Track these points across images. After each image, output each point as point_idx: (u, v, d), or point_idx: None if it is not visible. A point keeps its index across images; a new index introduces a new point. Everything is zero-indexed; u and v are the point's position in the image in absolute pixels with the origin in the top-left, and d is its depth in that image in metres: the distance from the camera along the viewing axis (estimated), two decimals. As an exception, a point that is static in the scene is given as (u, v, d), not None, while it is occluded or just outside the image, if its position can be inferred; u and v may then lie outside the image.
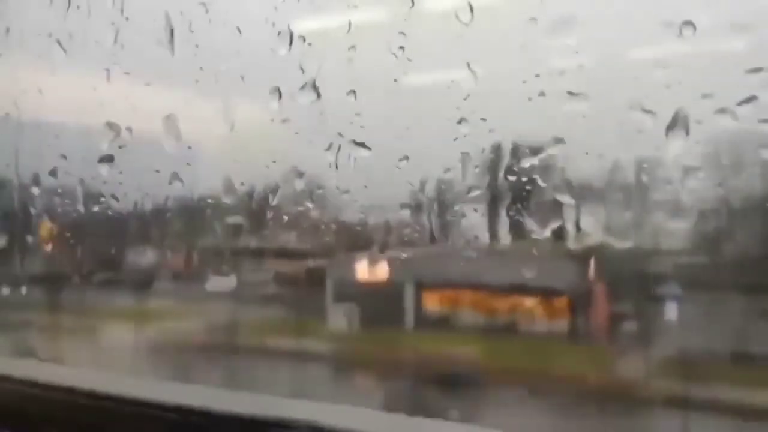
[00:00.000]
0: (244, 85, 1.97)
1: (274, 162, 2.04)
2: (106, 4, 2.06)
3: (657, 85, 1.62)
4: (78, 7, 2.14)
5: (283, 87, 1.87)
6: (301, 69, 1.83)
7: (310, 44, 1.83)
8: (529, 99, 1.71)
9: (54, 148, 2.28)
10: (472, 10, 1.65)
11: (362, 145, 1.85)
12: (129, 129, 2.10)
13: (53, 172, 2.27)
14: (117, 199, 2.22)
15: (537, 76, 1.68)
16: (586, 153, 1.84)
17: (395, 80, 1.87)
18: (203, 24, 1.95)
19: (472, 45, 1.74)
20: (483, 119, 1.78)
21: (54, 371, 1.85)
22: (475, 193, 1.90)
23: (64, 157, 2.24)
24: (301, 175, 1.97)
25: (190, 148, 2.04)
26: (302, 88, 1.85)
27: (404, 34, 1.78)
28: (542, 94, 1.69)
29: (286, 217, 2.18)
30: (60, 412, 1.69)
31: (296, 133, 1.91)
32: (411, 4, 1.73)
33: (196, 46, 1.97)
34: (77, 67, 2.24)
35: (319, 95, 1.84)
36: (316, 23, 1.85)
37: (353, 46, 1.82)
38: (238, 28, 1.89)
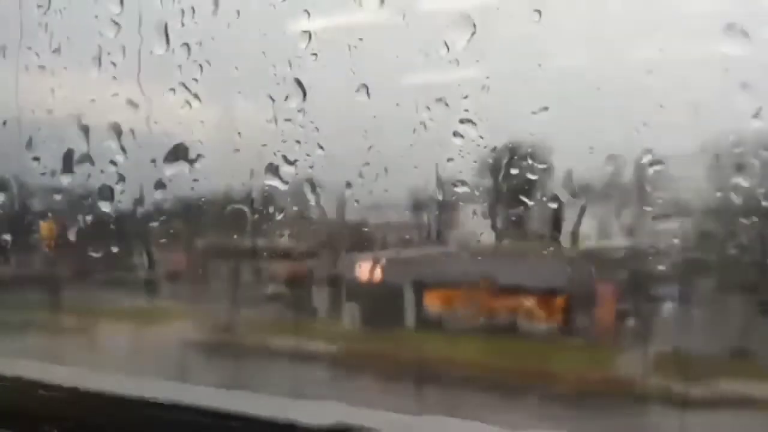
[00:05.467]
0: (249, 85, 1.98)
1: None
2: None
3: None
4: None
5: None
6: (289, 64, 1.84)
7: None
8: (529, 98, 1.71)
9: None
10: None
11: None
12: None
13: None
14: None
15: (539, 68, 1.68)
16: (589, 152, 1.83)
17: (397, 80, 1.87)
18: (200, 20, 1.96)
19: (472, 44, 1.74)
20: (484, 119, 1.78)
21: (54, 371, 1.85)
22: (476, 193, 1.90)
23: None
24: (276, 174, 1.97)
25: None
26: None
27: (404, 33, 1.78)
28: (543, 92, 1.69)
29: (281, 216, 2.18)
30: (60, 412, 1.69)
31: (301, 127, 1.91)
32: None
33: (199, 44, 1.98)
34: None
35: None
36: (318, 23, 1.85)
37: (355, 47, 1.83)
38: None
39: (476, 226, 2.12)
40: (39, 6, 2.18)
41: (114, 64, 2.09)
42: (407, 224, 2.27)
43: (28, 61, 2.25)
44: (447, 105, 1.82)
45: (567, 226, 2.22)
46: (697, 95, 1.54)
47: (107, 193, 2.24)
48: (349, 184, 2.00)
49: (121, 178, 2.20)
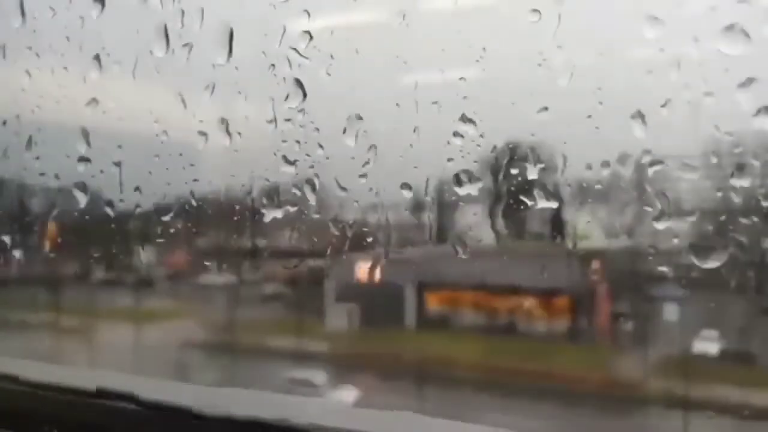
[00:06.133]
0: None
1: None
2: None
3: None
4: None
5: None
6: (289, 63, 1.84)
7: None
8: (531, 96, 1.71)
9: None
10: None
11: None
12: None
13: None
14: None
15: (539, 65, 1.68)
16: (589, 152, 1.84)
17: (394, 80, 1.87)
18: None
19: (471, 44, 1.75)
20: (484, 119, 1.78)
21: (54, 371, 1.85)
22: (476, 193, 1.90)
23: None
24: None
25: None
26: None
27: (404, 33, 1.79)
28: (543, 92, 1.69)
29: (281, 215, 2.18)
30: (60, 412, 1.69)
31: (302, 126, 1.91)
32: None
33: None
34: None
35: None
36: (318, 23, 1.85)
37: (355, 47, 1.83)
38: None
39: (476, 226, 2.12)
40: (39, 6, 2.18)
41: (114, 64, 2.09)
42: (407, 224, 2.27)
43: (28, 61, 2.25)
44: (447, 105, 1.82)
45: (567, 226, 2.22)
46: (697, 95, 1.54)
47: (107, 193, 2.24)
48: (348, 184, 1.99)
49: (120, 179, 2.20)
